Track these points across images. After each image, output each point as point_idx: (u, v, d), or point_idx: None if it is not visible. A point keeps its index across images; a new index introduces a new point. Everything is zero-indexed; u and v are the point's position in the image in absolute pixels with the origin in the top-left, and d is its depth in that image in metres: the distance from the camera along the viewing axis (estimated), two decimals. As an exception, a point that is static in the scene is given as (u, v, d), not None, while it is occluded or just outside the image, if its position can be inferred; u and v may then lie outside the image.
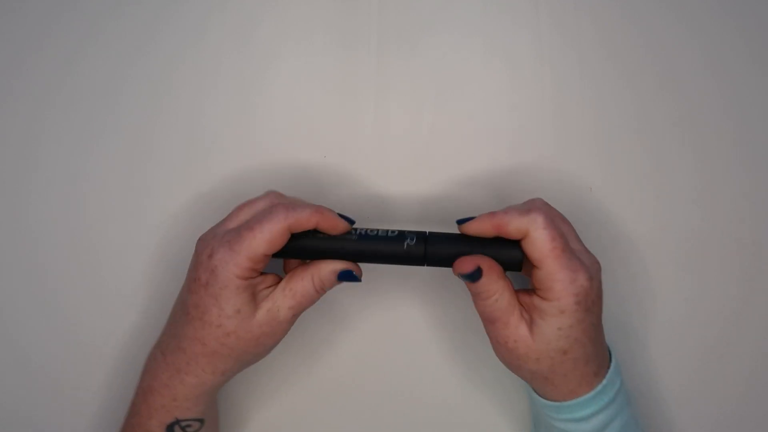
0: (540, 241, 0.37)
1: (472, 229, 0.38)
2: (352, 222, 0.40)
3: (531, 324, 0.38)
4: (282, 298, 0.38)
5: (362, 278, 0.40)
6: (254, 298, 0.37)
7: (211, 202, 0.48)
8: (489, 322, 0.39)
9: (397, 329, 0.48)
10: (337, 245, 0.39)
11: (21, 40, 0.48)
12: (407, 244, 0.39)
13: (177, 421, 0.39)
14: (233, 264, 0.36)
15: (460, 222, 0.39)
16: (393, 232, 0.40)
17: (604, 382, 0.39)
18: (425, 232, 0.40)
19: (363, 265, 0.40)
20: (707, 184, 0.47)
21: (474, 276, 0.38)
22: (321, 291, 0.39)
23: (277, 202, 0.39)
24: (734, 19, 0.47)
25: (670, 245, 0.48)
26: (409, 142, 0.47)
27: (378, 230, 0.40)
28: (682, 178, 0.47)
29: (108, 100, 0.48)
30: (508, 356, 0.39)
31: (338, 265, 0.39)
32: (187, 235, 0.47)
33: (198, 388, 0.39)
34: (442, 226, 0.47)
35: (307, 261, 0.40)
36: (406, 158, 0.47)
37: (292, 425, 0.49)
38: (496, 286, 0.38)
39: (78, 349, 0.48)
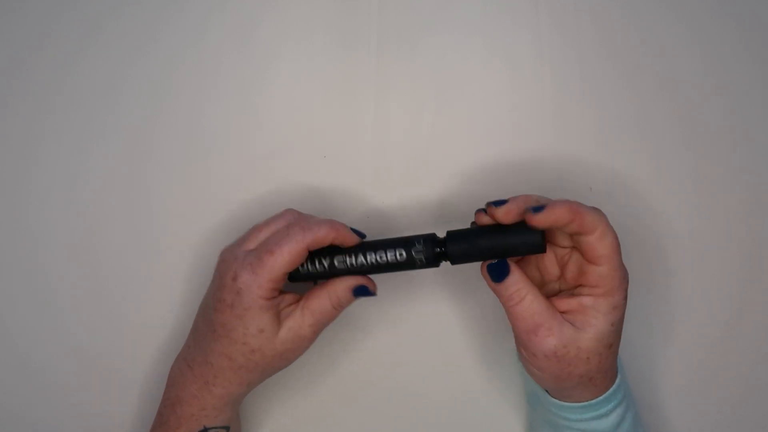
0: (611, 237, 0.37)
1: (552, 218, 0.36)
2: (363, 236, 0.40)
3: (582, 325, 0.37)
4: (302, 318, 0.39)
5: (377, 291, 0.40)
6: (277, 317, 0.39)
7: (210, 201, 0.48)
8: (531, 332, 0.37)
9: (409, 329, 0.48)
10: (351, 267, 0.40)
11: (21, 40, 0.48)
12: (416, 253, 0.39)
13: (205, 429, 0.40)
14: (256, 286, 0.37)
15: (536, 210, 0.36)
16: (400, 241, 0.39)
17: (620, 374, 0.40)
18: (433, 234, 0.40)
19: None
20: (707, 184, 0.47)
21: (503, 270, 0.37)
22: (339, 308, 0.40)
23: (293, 221, 0.40)
24: (734, 19, 0.47)
25: (669, 244, 0.48)
26: (408, 142, 0.47)
27: (384, 241, 0.40)
28: (682, 177, 0.47)
29: (108, 100, 0.48)
30: (556, 367, 0.37)
31: (352, 282, 0.39)
32: (187, 235, 0.47)
33: (225, 398, 0.40)
34: (441, 225, 0.47)
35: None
36: (406, 158, 0.47)
37: (304, 428, 0.49)
38: (524, 283, 0.38)
39: (77, 351, 0.48)
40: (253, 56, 0.47)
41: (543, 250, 0.38)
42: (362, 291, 0.40)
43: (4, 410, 0.48)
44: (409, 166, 0.47)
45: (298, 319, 0.39)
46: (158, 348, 0.48)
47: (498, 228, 0.38)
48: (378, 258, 0.39)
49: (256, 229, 0.40)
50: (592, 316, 0.37)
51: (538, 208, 0.36)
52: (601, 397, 0.39)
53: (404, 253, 0.39)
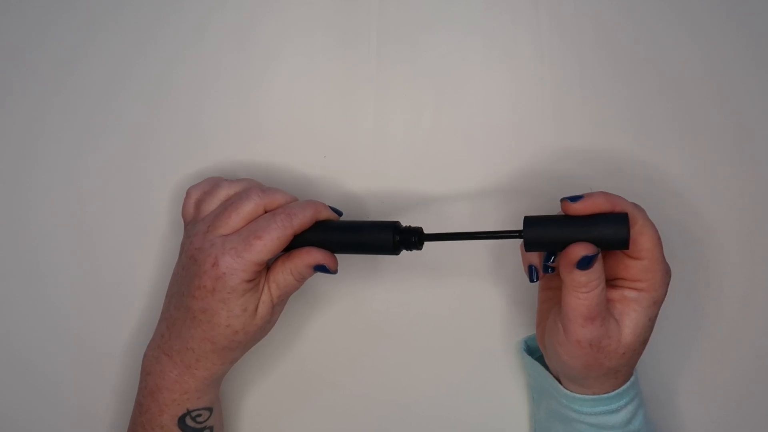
0: (651, 231, 0.37)
1: (589, 206, 0.36)
2: (340, 214, 0.42)
3: (621, 317, 0.38)
4: (269, 291, 0.40)
5: (338, 270, 0.41)
6: (256, 295, 0.40)
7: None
8: (588, 320, 0.37)
9: (407, 323, 0.49)
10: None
11: (21, 40, 0.48)
12: (380, 238, 0.39)
13: (188, 412, 0.41)
14: (242, 270, 0.38)
15: (573, 199, 0.36)
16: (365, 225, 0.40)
17: (635, 372, 0.40)
18: (397, 222, 0.40)
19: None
20: (707, 184, 0.47)
21: (592, 259, 0.36)
22: (302, 280, 0.41)
23: (277, 201, 0.40)
24: (734, 20, 0.47)
25: (669, 245, 0.47)
26: (408, 141, 0.47)
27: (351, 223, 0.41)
28: (682, 177, 0.47)
29: (108, 100, 0.48)
30: (591, 356, 0.37)
31: (312, 260, 0.40)
32: (187, 235, 0.47)
33: (209, 379, 0.41)
34: (442, 224, 0.47)
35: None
36: (406, 157, 0.47)
37: (283, 411, 0.49)
38: (602, 272, 0.37)
39: (77, 350, 0.48)
40: (253, 56, 0.47)
41: (626, 247, 0.37)
42: (322, 269, 0.40)
43: (3, 409, 0.48)
44: (409, 165, 0.47)
45: (267, 293, 0.40)
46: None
47: (579, 219, 0.37)
48: (343, 239, 0.40)
49: (223, 212, 0.40)
50: (633, 309, 0.38)
51: (576, 198, 0.36)
52: (615, 392, 0.39)
53: (370, 238, 0.40)
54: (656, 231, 0.37)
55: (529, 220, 0.38)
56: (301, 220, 0.39)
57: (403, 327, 0.48)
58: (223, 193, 0.41)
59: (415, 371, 0.48)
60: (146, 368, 0.42)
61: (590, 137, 0.47)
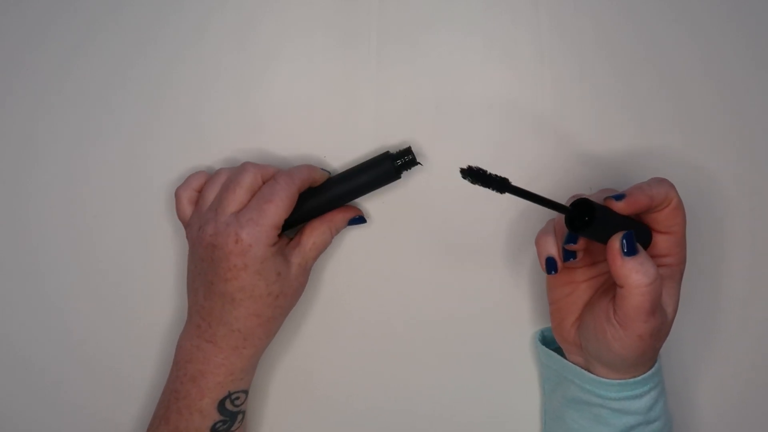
0: (682, 207, 0.38)
1: (632, 208, 0.37)
2: (328, 173, 0.45)
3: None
4: (304, 251, 0.43)
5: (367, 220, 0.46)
6: (285, 258, 0.42)
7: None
8: (650, 314, 0.37)
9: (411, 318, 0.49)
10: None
11: (21, 40, 0.48)
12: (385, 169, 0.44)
13: (229, 395, 0.42)
14: (264, 236, 0.40)
15: (617, 198, 0.37)
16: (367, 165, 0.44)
17: (658, 360, 0.41)
18: (387, 151, 0.43)
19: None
20: (706, 184, 0.47)
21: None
22: (335, 234, 0.45)
23: (271, 171, 0.42)
24: (734, 20, 0.47)
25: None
26: (408, 141, 0.47)
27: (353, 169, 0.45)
28: (682, 178, 0.47)
29: (108, 100, 0.48)
30: (649, 345, 0.38)
31: (350, 214, 0.45)
32: (187, 235, 0.47)
33: (254, 357, 0.43)
34: (442, 224, 0.47)
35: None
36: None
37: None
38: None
39: (76, 349, 0.48)
40: (253, 56, 0.47)
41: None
42: (359, 220, 0.46)
43: (3, 409, 0.48)
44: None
45: (301, 253, 0.43)
46: (159, 346, 0.48)
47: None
48: (349, 187, 0.44)
49: (226, 191, 0.41)
50: (669, 286, 0.39)
51: (620, 197, 0.37)
52: (641, 377, 0.40)
53: (372, 175, 0.44)
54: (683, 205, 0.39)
55: (598, 207, 0.37)
56: (301, 176, 0.42)
57: (404, 327, 0.48)
58: (220, 180, 0.43)
59: (415, 371, 0.48)
60: (186, 355, 0.42)
61: (590, 137, 0.47)
